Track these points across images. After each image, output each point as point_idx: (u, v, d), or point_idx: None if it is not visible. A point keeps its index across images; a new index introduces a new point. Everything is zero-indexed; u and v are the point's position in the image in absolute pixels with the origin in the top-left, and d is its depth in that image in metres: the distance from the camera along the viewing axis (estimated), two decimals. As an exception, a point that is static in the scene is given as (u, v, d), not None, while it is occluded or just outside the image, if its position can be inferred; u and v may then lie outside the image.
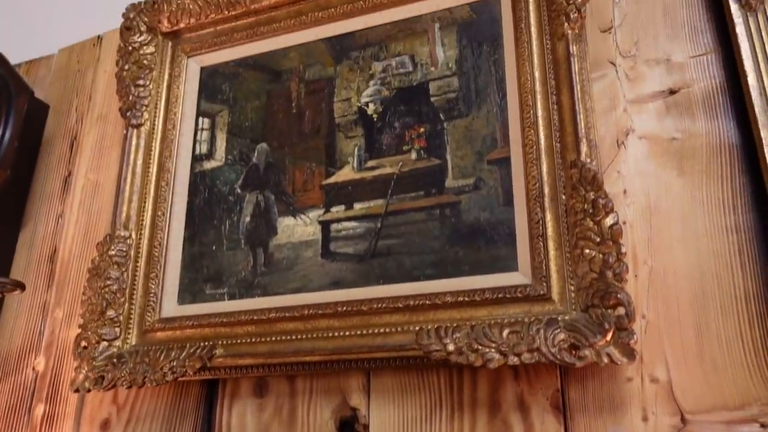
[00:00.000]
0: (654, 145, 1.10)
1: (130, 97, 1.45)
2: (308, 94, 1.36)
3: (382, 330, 1.10)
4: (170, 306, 1.31)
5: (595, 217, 0.99)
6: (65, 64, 1.79)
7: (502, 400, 1.05)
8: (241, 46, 1.45)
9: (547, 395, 1.03)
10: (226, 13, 1.45)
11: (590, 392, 1.01)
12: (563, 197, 1.06)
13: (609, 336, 0.93)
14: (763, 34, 1.02)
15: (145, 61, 1.48)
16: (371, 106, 1.29)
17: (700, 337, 0.97)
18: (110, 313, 1.30)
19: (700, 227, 1.03)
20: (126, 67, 1.48)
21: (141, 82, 1.46)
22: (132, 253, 1.35)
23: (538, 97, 1.13)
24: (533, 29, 1.18)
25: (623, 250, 0.97)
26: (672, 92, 1.12)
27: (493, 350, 0.98)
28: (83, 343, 1.28)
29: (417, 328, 1.06)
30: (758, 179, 1.00)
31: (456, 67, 1.25)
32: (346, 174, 1.27)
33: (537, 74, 1.15)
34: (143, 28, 1.50)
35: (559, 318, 0.98)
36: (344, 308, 1.14)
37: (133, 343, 1.30)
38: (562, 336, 0.95)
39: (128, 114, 1.44)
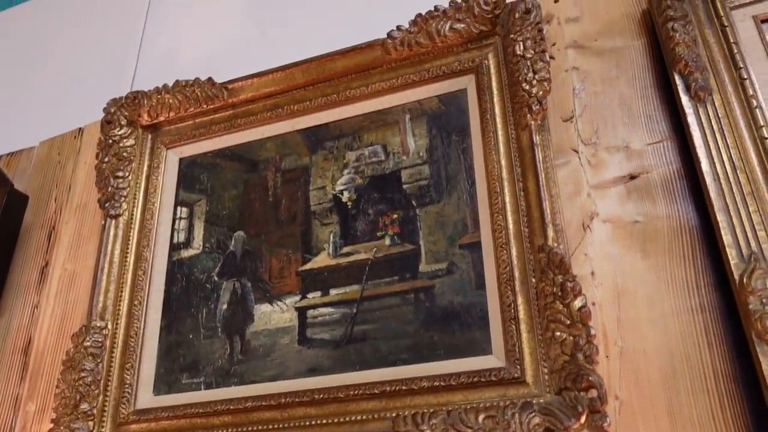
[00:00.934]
0: (618, 228, 1.14)
1: (109, 189, 1.48)
2: (284, 183, 1.40)
3: (358, 417, 1.10)
4: (146, 397, 1.30)
5: (564, 299, 1.02)
6: (46, 156, 1.82)
7: (480, 487, 1.04)
8: (219, 137, 1.50)
9: (525, 481, 1.02)
10: (205, 106, 1.50)
11: (568, 476, 1.00)
12: (533, 280, 1.09)
13: (583, 419, 0.94)
14: (713, 122, 1.08)
15: (124, 154, 1.52)
16: (345, 194, 1.33)
17: (673, 417, 0.98)
18: (84, 406, 1.28)
19: (667, 307, 1.05)
20: (106, 159, 1.51)
21: (120, 174, 1.49)
22: (108, 343, 1.35)
23: (505, 183, 1.18)
24: (498, 119, 1.24)
25: (592, 332, 0.99)
26: (632, 177, 1.17)
27: (469, 436, 0.98)
28: (56, 439, 1.25)
29: (393, 414, 1.06)
30: (719, 260, 1.04)
31: (427, 155, 1.30)
32: (322, 260, 1.29)
33: (503, 162, 1.20)
34: (123, 121, 1.55)
35: (534, 401, 0.99)
36: (321, 396, 1.14)
37: (107, 436, 1.27)
38: (537, 420, 0.96)
39: (106, 205, 1.46)
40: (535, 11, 1.25)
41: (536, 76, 1.20)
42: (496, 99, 1.26)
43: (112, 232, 1.44)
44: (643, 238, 1.12)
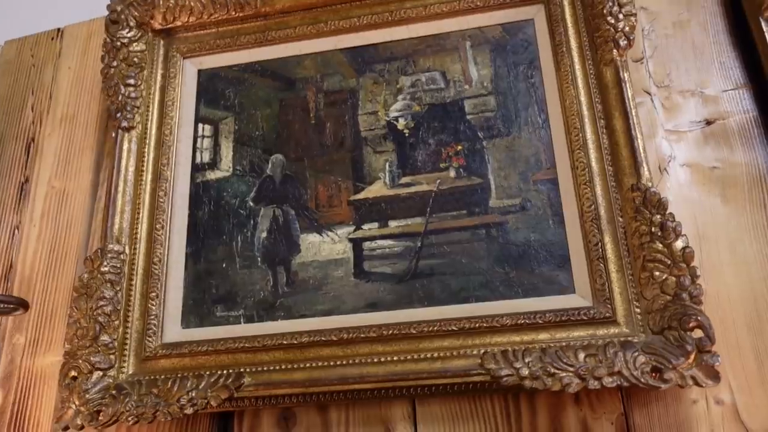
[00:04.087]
0: (696, 172, 1.13)
1: (119, 97, 1.30)
2: (328, 105, 1.29)
3: (436, 354, 1.04)
4: (174, 330, 1.17)
5: (665, 239, 1.00)
6: (15, 58, 1.58)
7: (564, 426, 1.02)
8: (248, 50, 1.35)
9: (611, 420, 1.01)
10: (233, 14, 1.35)
11: (655, 416, 1.00)
12: (620, 219, 1.06)
13: (692, 358, 0.92)
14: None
15: (135, 59, 1.34)
16: (401, 121, 1.24)
17: (760, 360, 1.00)
18: (104, 338, 1.13)
19: (749, 254, 1.06)
20: (114, 64, 1.32)
21: (131, 81, 1.31)
22: (126, 269, 1.19)
23: (586, 120, 1.13)
24: (575, 54, 1.18)
25: (698, 273, 0.97)
26: (708, 123, 1.16)
27: (571, 374, 0.95)
28: (72, 373, 1.11)
29: (481, 351, 1.01)
30: (799, 208, 1.06)
31: (492, 86, 1.23)
32: (377, 190, 1.20)
33: (583, 98, 1.15)
34: (132, 23, 1.36)
35: (634, 340, 0.97)
36: (389, 331, 1.07)
37: (130, 372, 1.14)
38: (642, 359, 0.94)
39: (118, 116, 1.28)
40: (616, -57, 1.19)
41: (623, 10, 1.15)
42: (571, 32, 1.20)
43: (125, 147, 1.27)
44: (722, 184, 1.12)
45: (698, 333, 0.94)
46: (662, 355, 0.94)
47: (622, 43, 1.13)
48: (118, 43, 1.34)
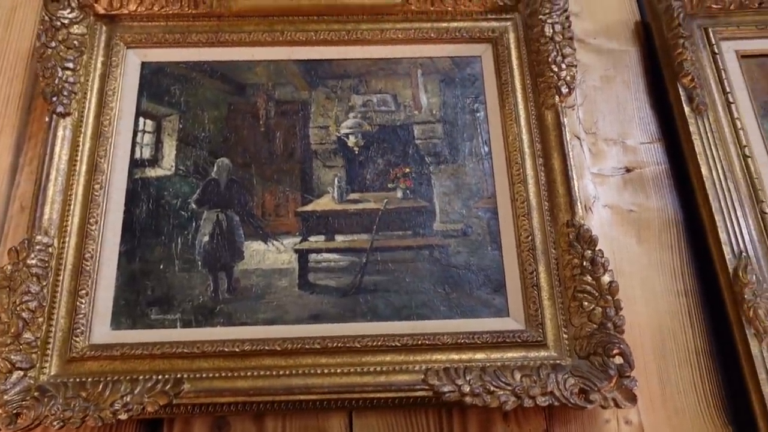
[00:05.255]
0: (615, 213, 1.26)
1: (56, 81, 1.23)
2: (279, 115, 1.29)
3: (379, 368, 1.07)
4: (102, 330, 1.12)
5: (594, 273, 1.11)
6: None
7: (493, 440, 1.09)
8: (198, 48, 1.33)
9: (536, 436, 1.09)
10: (186, 9, 1.32)
11: (574, 433, 1.10)
12: (553, 251, 1.16)
13: (613, 382, 1.03)
14: (709, 134, 1.24)
15: (75, 42, 1.27)
16: (352, 139, 1.27)
17: (663, 385, 1.13)
18: (27, 335, 1.07)
19: (658, 289, 1.20)
20: (52, 44, 1.25)
21: (70, 65, 1.25)
22: (53, 263, 1.13)
23: (527, 157, 1.23)
24: (519, 94, 1.28)
25: (622, 305, 1.09)
26: (628, 170, 1.29)
27: (508, 392, 1.02)
28: (-11, 372, 1.03)
29: (424, 367, 1.06)
30: (700, 252, 1.21)
31: (440, 114, 1.30)
32: (325, 203, 1.23)
33: (525, 137, 1.24)
34: (74, 3, 1.29)
35: (562, 363, 1.06)
36: (334, 344, 1.09)
37: (53, 373, 1.07)
38: (572, 381, 1.03)
39: (54, 99, 1.21)
40: (563, -2, 1.31)
41: (565, 61, 1.26)
42: (516, 73, 1.30)
43: (59, 134, 1.20)
44: (637, 225, 1.25)
45: (619, 359, 1.05)
46: (588, 378, 1.04)
47: (564, 90, 1.24)
48: (58, 23, 1.27)
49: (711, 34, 1.35)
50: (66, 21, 1.28)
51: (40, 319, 1.09)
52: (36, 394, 1.03)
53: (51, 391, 1.03)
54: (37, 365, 1.07)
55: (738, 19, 1.37)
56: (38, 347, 1.08)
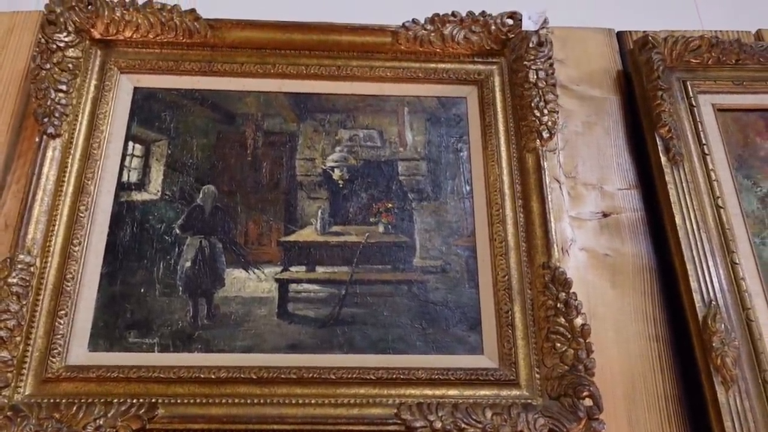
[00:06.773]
0: (591, 257, 1.29)
1: (49, 102, 1.25)
2: (266, 145, 1.32)
3: (353, 401, 1.09)
4: (79, 352, 1.12)
5: (567, 315, 1.13)
6: None
7: (462, 478, 1.10)
8: (190, 76, 1.36)
9: (505, 475, 1.10)
10: (180, 38, 1.35)
11: (543, 474, 1.11)
12: (529, 292, 1.18)
13: (582, 424, 1.05)
14: (684, 185, 1.27)
15: (69, 65, 1.29)
16: (337, 172, 1.30)
17: (632, 428, 1.14)
18: (3, 354, 1.07)
19: (630, 333, 1.22)
20: (47, 66, 1.27)
21: (63, 87, 1.27)
22: (34, 283, 1.14)
23: (507, 198, 1.26)
24: (501, 136, 1.31)
25: (593, 348, 1.11)
26: (605, 215, 1.33)
27: (479, 430, 1.04)
28: (-37, 390, 1.03)
29: (397, 402, 1.07)
30: (671, 298, 1.24)
31: (424, 152, 1.33)
32: (308, 234, 1.25)
33: (505, 178, 1.27)
34: (71, 27, 1.31)
35: (533, 403, 1.08)
36: (310, 375, 1.10)
37: (27, 393, 1.08)
38: (542, 421, 1.05)
39: (45, 120, 1.23)
40: (548, 46, 1.35)
41: (548, 107, 1.30)
42: (500, 116, 1.33)
43: (48, 154, 1.22)
44: (612, 270, 1.28)
45: (589, 402, 1.07)
46: (558, 419, 1.05)
47: (545, 134, 1.28)
48: (54, 46, 1.29)
49: (689, 87, 1.39)
50: (62, 44, 1.30)
51: (18, 338, 1.09)
52: (9, 413, 1.03)
53: (24, 411, 1.03)
54: (12, 384, 1.07)
55: (715, 74, 1.41)
56: (14, 366, 1.08)
